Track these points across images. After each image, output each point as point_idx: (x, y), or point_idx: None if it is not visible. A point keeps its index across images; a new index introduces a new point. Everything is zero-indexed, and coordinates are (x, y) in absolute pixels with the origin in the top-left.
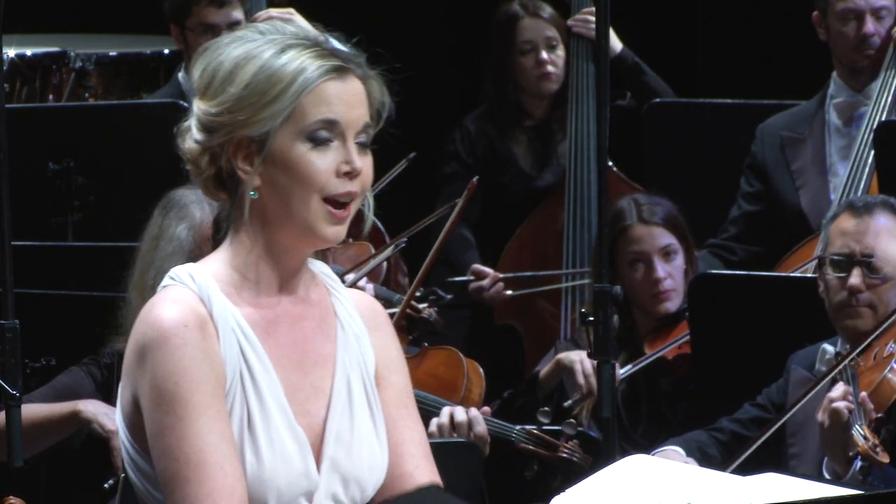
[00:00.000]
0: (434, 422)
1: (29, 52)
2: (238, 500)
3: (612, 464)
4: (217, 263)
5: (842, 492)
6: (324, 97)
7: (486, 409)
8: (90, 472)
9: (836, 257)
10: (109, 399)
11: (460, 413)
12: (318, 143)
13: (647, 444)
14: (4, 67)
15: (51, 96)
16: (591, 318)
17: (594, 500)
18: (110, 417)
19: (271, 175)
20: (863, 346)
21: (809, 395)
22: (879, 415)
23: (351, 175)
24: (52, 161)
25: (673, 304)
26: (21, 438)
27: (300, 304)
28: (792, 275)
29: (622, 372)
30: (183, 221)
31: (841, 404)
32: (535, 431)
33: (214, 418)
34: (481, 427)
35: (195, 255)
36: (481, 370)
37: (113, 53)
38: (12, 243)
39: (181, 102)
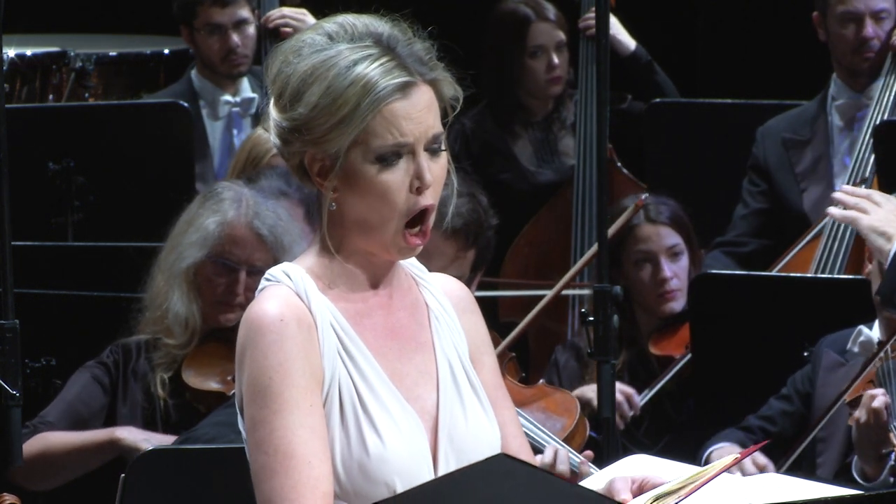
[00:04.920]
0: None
1: (29, 52)
2: (322, 495)
3: (613, 464)
4: (309, 260)
5: (842, 492)
6: (391, 119)
7: (589, 453)
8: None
9: None
10: (116, 400)
11: (564, 463)
12: (386, 163)
13: (650, 443)
14: (4, 67)
15: (51, 96)
16: (591, 318)
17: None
18: (151, 443)
19: (346, 190)
20: None
21: (857, 381)
22: None
23: (421, 190)
24: (52, 161)
25: (678, 304)
26: (21, 441)
27: (391, 296)
28: (792, 275)
29: (643, 398)
30: (216, 215)
31: (880, 402)
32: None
33: (307, 413)
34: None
35: (217, 251)
36: (588, 426)
37: (113, 53)
38: (12, 243)
39: (181, 102)
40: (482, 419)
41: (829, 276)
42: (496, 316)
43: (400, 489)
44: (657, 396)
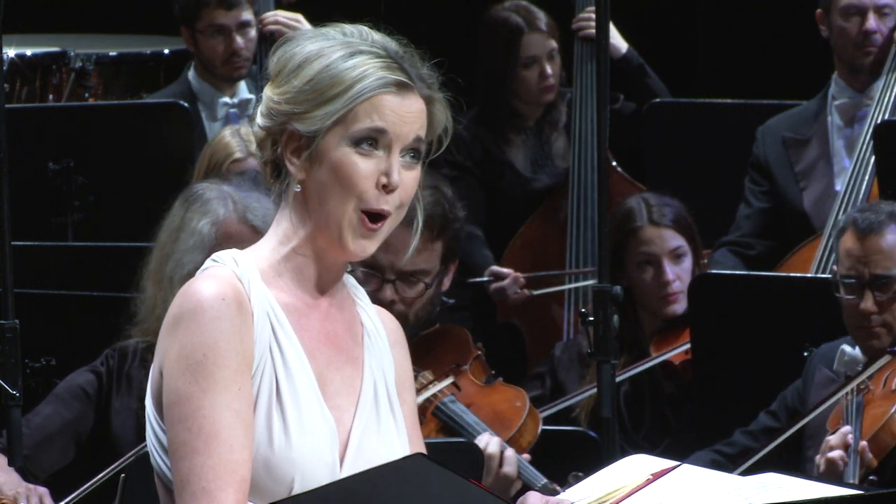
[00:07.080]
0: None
1: (29, 52)
2: (240, 480)
3: (613, 464)
4: (260, 251)
5: (842, 492)
6: (377, 107)
7: (526, 455)
8: (84, 470)
9: (846, 280)
10: (108, 408)
11: (494, 445)
12: (362, 147)
13: (650, 447)
14: (4, 67)
15: (51, 96)
16: (591, 318)
17: (594, 500)
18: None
19: (315, 173)
20: (872, 369)
21: (821, 408)
22: (872, 476)
23: (387, 188)
24: (52, 161)
25: (680, 306)
26: (21, 441)
27: (333, 306)
28: (792, 275)
29: (624, 375)
30: (206, 216)
31: (836, 454)
32: (558, 489)
33: (235, 396)
34: (511, 468)
35: (216, 251)
36: (541, 420)
37: (113, 53)
38: (12, 243)
39: (181, 102)
40: (394, 441)
41: (830, 276)
42: (493, 316)
43: (298, 491)
44: (657, 400)
